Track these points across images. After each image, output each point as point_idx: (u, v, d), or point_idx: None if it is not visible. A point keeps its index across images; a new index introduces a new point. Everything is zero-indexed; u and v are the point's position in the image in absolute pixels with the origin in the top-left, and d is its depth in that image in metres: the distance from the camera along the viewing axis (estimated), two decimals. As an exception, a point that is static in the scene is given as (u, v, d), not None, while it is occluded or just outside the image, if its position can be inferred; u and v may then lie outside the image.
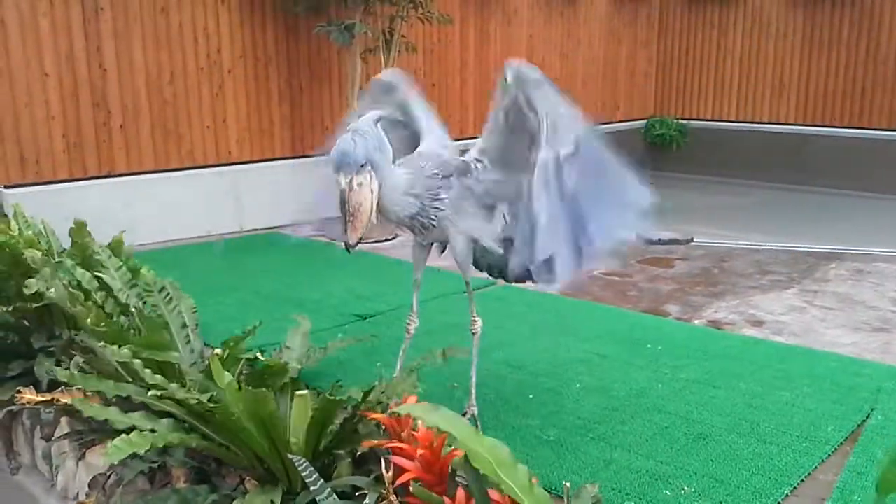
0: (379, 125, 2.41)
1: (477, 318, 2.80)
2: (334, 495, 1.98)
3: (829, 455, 2.60)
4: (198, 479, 2.37)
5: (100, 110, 5.37)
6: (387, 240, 5.76)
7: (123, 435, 2.08)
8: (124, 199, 5.47)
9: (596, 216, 2.43)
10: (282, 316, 3.86)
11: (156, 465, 2.42)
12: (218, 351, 2.54)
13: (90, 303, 2.87)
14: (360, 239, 2.36)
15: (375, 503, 2.01)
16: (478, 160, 2.58)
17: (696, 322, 4.04)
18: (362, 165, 2.29)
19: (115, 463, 2.50)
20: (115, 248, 3.54)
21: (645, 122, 9.59)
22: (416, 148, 2.72)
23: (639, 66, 9.44)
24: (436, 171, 2.52)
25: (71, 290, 2.95)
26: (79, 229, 3.49)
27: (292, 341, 2.87)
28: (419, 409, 1.77)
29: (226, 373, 2.10)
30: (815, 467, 2.52)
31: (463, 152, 2.68)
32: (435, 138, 2.73)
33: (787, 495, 2.36)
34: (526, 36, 8.04)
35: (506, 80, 2.46)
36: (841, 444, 2.67)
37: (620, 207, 2.53)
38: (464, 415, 2.71)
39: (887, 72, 8.04)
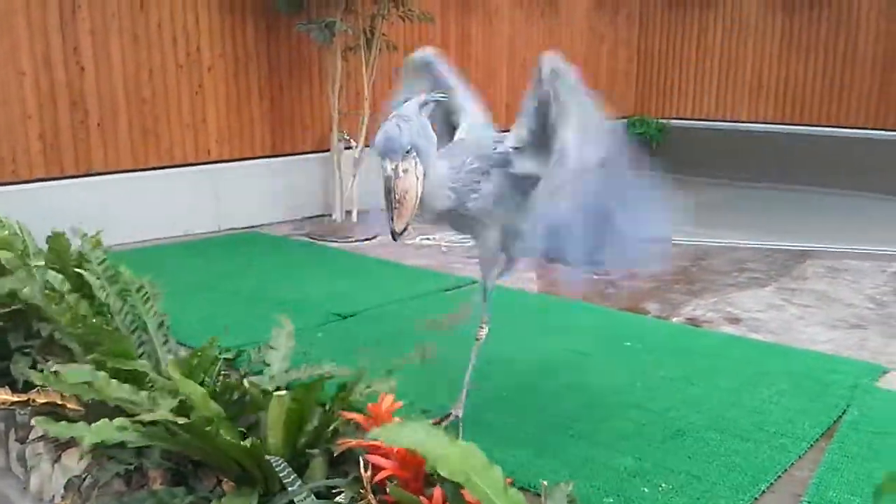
0: (423, 111, 2.36)
1: (485, 325, 2.76)
2: (313, 496, 1.97)
3: (806, 451, 2.62)
4: (174, 480, 2.36)
5: (77, 109, 5.32)
6: (367, 239, 5.75)
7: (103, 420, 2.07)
8: (102, 198, 5.42)
9: (609, 238, 2.44)
10: (261, 315, 3.84)
11: (132, 467, 2.40)
12: (171, 357, 2.51)
13: (64, 304, 2.84)
14: (406, 227, 2.30)
15: (350, 502, 2.01)
16: (515, 148, 2.54)
17: (675, 320, 4.06)
18: (407, 151, 2.24)
19: (91, 461, 2.49)
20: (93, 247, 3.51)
21: (625, 120, 9.62)
22: (451, 127, 2.70)
23: (619, 65, 9.47)
24: (477, 166, 2.48)
25: (47, 290, 2.93)
26: (56, 238, 3.45)
27: (276, 342, 2.84)
28: (387, 432, 1.76)
29: (193, 384, 2.09)
30: (792, 463, 2.54)
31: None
32: (475, 122, 2.71)
33: (763, 491, 2.37)
34: (507, 35, 8.05)
35: (540, 74, 2.42)
36: (817, 440, 2.70)
37: (635, 237, 2.53)
38: (448, 416, 2.69)
39: (864, 72, 8.11)
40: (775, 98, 8.69)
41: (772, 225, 7.00)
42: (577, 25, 8.80)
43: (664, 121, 9.45)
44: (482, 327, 2.75)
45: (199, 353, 2.49)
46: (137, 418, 2.15)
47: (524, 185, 2.54)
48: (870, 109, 8.13)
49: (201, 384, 2.54)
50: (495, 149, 2.55)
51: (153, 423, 2.19)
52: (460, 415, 2.71)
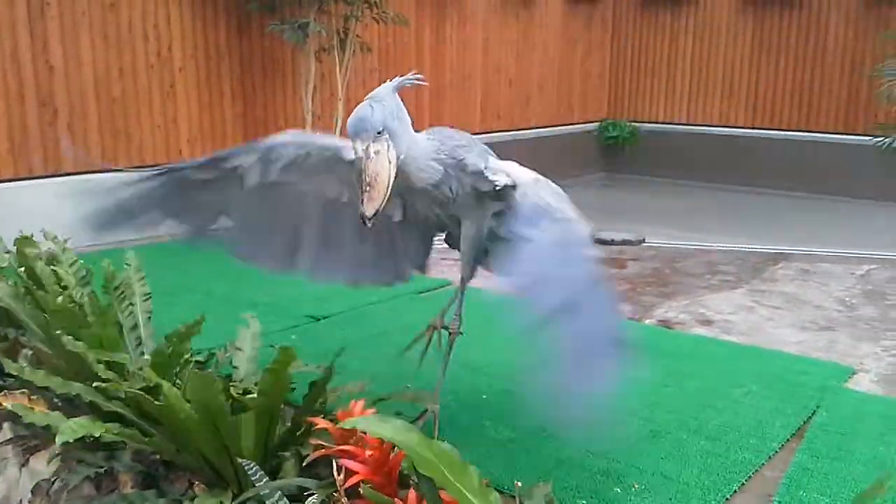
0: (397, 94, 2.27)
1: (458, 319, 2.71)
2: (285, 498, 1.96)
3: (776, 452, 2.65)
4: (145, 483, 2.33)
5: (46, 109, 5.25)
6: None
7: (77, 418, 2.04)
8: (72, 199, 5.34)
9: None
10: (234, 318, 3.81)
11: (102, 471, 2.36)
12: (147, 357, 2.46)
13: (38, 299, 2.81)
14: (377, 212, 2.18)
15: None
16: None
17: (648, 322, 4.09)
18: (379, 132, 2.15)
19: (59, 464, 2.45)
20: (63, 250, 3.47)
21: (598, 124, 9.68)
22: None
23: (592, 68, 9.53)
24: (465, 144, 2.42)
25: (18, 288, 2.89)
26: (25, 241, 3.40)
27: (242, 343, 2.82)
28: (366, 422, 1.76)
29: (164, 382, 2.07)
30: (763, 464, 2.56)
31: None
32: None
33: (735, 492, 2.39)
34: (482, 38, 8.07)
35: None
36: (787, 440, 2.73)
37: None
38: (424, 413, 2.67)
39: (833, 76, 8.23)
40: (746, 102, 8.79)
41: (743, 228, 7.08)
42: (551, 29, 8.84)
43: (636, 124, 9.52)
44: (455, 320, 2.72)
45: (174, 341, 2.47)
46: (113, 389, 2.11)
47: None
48: (839, 114, 8.25)
49: (173, 385, 2.51)
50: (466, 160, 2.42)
51: (126, 420, 2.17)
52: (437, 410, 2.68)
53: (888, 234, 6.55)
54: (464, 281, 2.69)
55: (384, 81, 2.36)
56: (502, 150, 2.72)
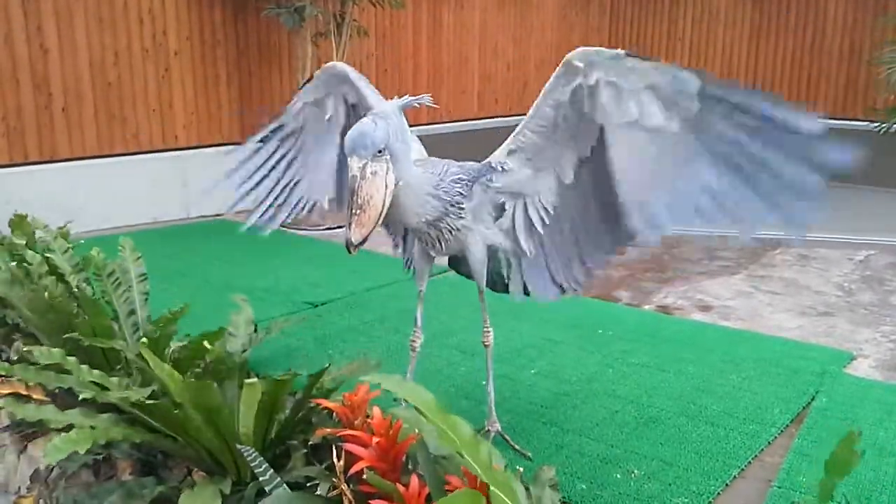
0: (402, 113, 2.09)
1: (489, 329, 2.54)
2: (284, 485, 1.95)
3: (776, 437, 2.65)
4: (144, 470, 2.32)
5: (41, 93, 5.21)
6: (339, 227, 5.70)
7: (63, 433, 2.01)
8: (67, 184, 5.32)
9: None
10: (229, 303, 3.80)
11: (100, 458, 2.36)
12: (144, 339, 2.43)
13: (35, 286, 2.79)
14: (365, 240, 1.98)
15: (327, 493, 1.98)
16: (503, 163, 2.30)
17: (647, 307, 4.08)
18: (379, 152, 1.97)
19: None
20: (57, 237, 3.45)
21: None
22: None
23: (590, 53, 9.47)
24: (461, 176, 2.23)
25: (13, 274, 2.88)
26: (19, 221, 3.38)
27: (235, 328, 2.81)
28: (389, 382, 1.70)
29: (165, 365, 2.05)
30: (762, 449, 2.56)
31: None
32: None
33: (734, 477, 2.39)
34: (479, 21, 8.02)
35: (572, 64, 2.19)
36: (787, 426, 2.73)
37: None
38: (487, 432, 2.54)
39: (832, 60, 8.20)
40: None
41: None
42: (549, 13, 8.79)
43: (635, 109, 9.48)
44: (487, 332, 2.55)
45: (161, 324, 2.46)
46: (109, 395, 2.09)
47: (498, 198, 2.34)
48: (837, 98, 8.22)
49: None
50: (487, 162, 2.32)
51: (121, 410, 2.15)
52: (499, 428, 2.57)
53: (886, 220, 6.54)
54: (481, 292, 2.50)
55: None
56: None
